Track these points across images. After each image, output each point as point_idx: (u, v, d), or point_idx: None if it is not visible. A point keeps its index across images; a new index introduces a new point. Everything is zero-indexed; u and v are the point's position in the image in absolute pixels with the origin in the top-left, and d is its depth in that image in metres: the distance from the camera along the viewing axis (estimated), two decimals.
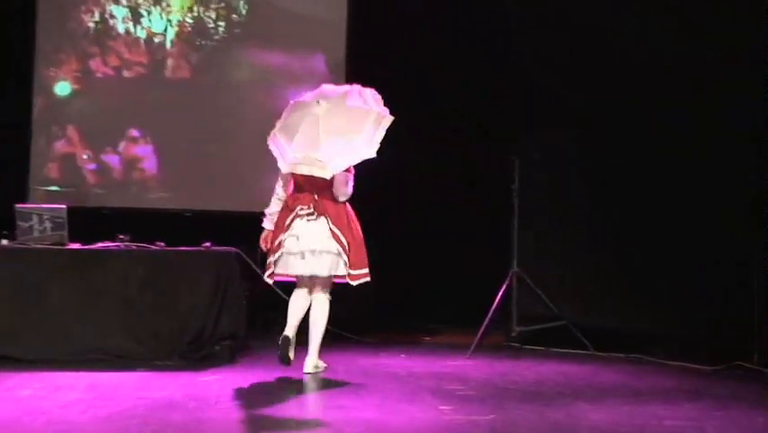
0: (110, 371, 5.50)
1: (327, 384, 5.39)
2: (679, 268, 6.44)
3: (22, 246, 5.95)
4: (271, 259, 5.57)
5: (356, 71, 7.53)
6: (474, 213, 7.83)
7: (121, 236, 6.20)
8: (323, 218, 5.49)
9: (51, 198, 7.37)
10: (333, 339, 6.39)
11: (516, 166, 6.98)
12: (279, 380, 5.44)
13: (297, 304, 5.61)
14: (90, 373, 5.41)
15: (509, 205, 7.00)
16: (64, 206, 6.11)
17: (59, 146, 7.80)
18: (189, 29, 7.90)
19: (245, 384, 5.28)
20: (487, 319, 6.55)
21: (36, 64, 7.73)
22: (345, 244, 5.49)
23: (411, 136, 6.63)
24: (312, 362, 5.60)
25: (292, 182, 5.62)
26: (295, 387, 5.29)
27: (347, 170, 5.53)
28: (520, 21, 7.23)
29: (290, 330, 5.52)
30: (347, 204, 5.61)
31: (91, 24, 7.83)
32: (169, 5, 7.91)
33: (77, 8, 7.83)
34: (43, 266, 5.85)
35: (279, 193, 5.68)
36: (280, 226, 5.56)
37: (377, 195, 6.64)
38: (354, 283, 5.55)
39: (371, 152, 5.44)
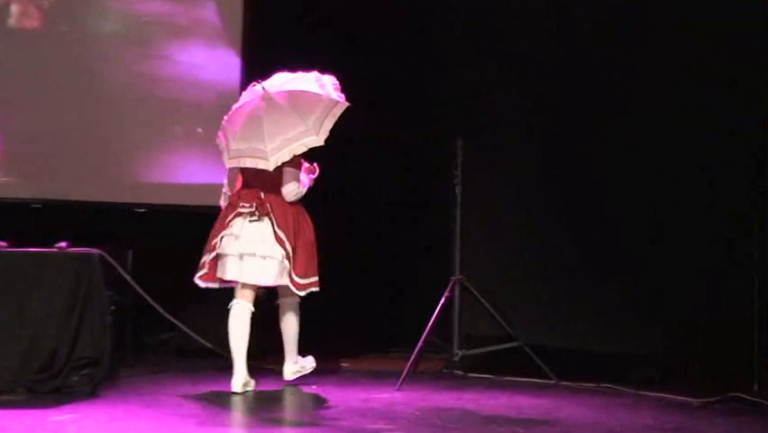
0: None
1: (211, 422, 5.41)
2: (661, 277, 6.62)
3: None
4: (205, 258, 6.12)
5: (257, 26, 7.66)
6: (412, 211, 7.99)
7: None
8: (266, 220, 6.02)
9: None
10: (222, 366, 6.47)
11: (458, 146, 6.98)
12: (152, 418, 5.39)
13: (242, 326, 6.04)
14: None
15: (451, 197, 7.03)
16: None
17: None
18: None
19: (110, 425, 5.20)
20: (421, 341, 6.56)
21: None
22: (290, 249, 6.01)
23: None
24: (291, 368, 6.29)
25: (240, 178, 6.18)
26: (171, 426, 5.25)
27: (296, 166, 6.08)
28: None
29: (241, 367, 5.99)
30: (299, 204, 6.16)
31: None
32: None
33: None
34: None
35: (226, 190, 6.24)
36: (220, 224, 6.11)
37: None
38: (301, 293, 6.13)
39: (319, 140, 5.98)
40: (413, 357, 6.55)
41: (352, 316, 7.75)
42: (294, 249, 6.04)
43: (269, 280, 6.08)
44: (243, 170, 6.14)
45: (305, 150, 6.01)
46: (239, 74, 7.71)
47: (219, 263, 6.11)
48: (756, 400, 5.91)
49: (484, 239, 7.16)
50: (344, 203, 7.94)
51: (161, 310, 6.74)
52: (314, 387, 6.36)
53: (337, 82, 6.08)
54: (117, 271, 6.50)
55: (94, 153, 7.74)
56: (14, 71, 7.70)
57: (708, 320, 6.37)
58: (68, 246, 6.18)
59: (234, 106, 6.21)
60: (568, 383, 6.55)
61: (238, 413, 5.76)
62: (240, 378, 6.03)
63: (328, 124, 5.97)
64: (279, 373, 6.49)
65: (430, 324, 6.59)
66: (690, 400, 6.00)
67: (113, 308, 6.33)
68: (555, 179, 6.98)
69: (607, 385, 6.43)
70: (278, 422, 5.62)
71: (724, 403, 5.90)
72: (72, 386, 5.91)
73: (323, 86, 6.06)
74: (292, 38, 7.80)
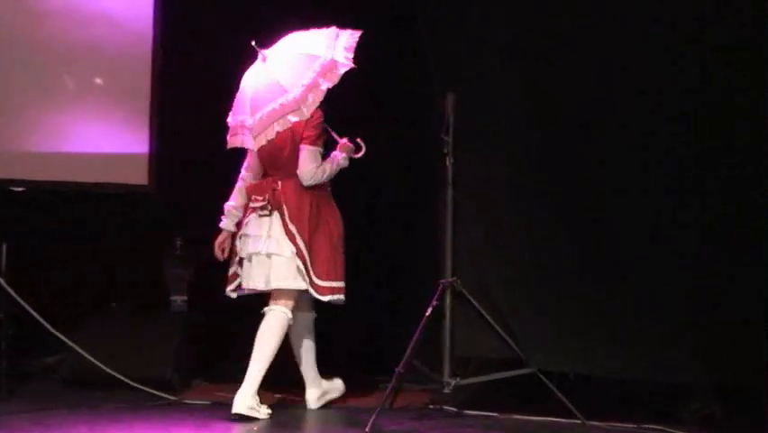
0: None
1: None
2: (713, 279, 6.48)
3: None
4: (232, 269, 6.66)
5: None
6: (396, 199, 8.11)
7: None
8: (276, 213, 6.49)
9: None
10: (132, 399, 6.75)
11: (449, 102, 6.88)
12: None
13: (266, 333, 6.46)
14: None
15: (441, 175, 6.97)
16: None
17: None
18: None
19: None
20: (401, 365, 6.54)
21: None
22: (302, 245, 6.40)
23: None
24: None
25: (257, 164, 6.69)
26: None
27: (314, 143, 6.55)
28: None
29: (250, 385, 6.35)
30: (323, 191, 6.61)
31: None
32: None
33: None
34: None
35: (240, 179, 6.72)
36: (239, 225, 6.70)
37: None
38: (324, 298, 6.50)
39: (305, 114, 6.52)
40: (389, 388, 6.57)
41: (325, 335, 7.59)
42: (309, 244, 6.40)
43: (285, 283, 6.42)
44: (260, 156, 6.60)
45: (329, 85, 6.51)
46: (151, 6, 7.73)
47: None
48: None
49: (484, 230, 6.98)
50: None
51: (47, 325, 6.70)
52: (254, 429, 6.35)
53: (353, 43, 6.69)
54: None
55: None
56: None
57: None
58: None
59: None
60: (598, 423, 6.44)
61: None
62: (244, 399, 6.32)
63: (316, 96, 6.50)
64: (213, 409, 6.73)
65: (412, 344, 6.55)
66: None
67: None
68: (566, 159, 6.93)
69: (652, 426, 6.32)
70: None
71: None
72: None
73: (328, 45, 6.62)
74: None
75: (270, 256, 6.42)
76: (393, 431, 6.24)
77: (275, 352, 6.47)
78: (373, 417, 6.26)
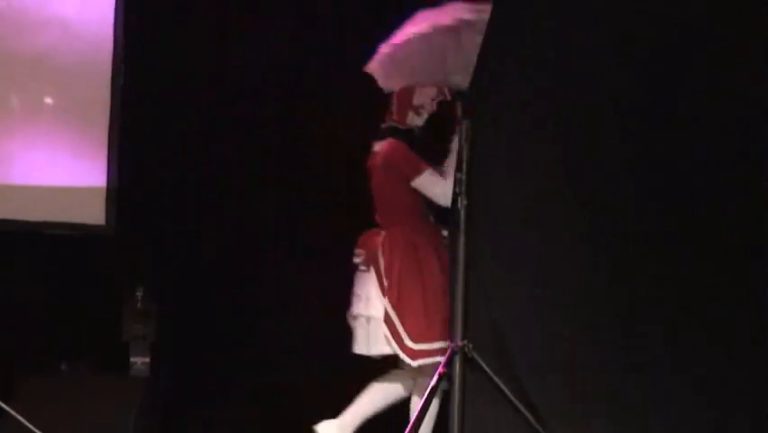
0: None
1: None
2: None
3: None
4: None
5: None
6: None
7: None
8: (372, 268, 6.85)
9: None
10: None
11: (463, 130, 6.88)
12: None
13: (376, 390, 6.92)
14: None
15: (451, 214, 6.95)
16: None
17: None
18: None
19: None
20: None
21: None
22: (388, 302, 6.71)
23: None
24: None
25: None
26: None
27: (415, 170, 6.89)
28: None
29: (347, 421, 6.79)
30: (432, 231, 6.98)
31: None
32: None
33: None
34: None
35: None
36: None
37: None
38: (414, 363, 6.72)
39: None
40: None
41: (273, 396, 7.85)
42: (398, 296, 6.69)
43: (379, 349, 6.80)
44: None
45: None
46: (111, 8, 7.92)
47: None
48: None
49: (508, 277, 6.96)
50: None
51: None
52: None
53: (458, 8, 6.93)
54: None
55: None
56: None
57: None
58: None
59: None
60: None
61: None
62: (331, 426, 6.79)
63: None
64: None
65: (409, 426, 6.65)
66: None
67: None
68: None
69: None
70: None
71: None
72: None
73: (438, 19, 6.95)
74: None
75: (369, 320, 6.84)
76: None
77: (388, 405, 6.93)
78: None
